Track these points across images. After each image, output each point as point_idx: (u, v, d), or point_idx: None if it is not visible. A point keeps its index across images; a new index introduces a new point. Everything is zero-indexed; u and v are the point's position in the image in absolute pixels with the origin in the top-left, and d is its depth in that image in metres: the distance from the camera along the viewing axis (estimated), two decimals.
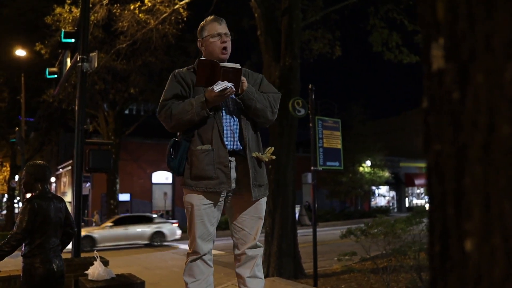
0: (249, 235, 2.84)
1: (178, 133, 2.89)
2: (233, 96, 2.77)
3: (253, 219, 2.85)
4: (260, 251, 2.91)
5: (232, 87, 2.60)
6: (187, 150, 2.76)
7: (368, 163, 29.70)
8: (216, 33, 2.83)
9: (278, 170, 9.04)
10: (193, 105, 2.67)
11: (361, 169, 29.37)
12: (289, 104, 7.95)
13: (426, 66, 0.57)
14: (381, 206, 34.56)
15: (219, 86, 2.56)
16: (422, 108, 0.60)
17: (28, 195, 3.43)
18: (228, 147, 2.73)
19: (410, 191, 38.94)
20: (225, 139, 2.72)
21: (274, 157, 2.84)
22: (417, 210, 7.71)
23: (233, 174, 2.75)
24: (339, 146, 7.54)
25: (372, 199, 35.64)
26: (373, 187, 32.55)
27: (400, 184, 36.87)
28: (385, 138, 38.94)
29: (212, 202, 2.77)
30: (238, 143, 2.77)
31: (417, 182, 37.15)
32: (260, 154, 2.80)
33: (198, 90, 2.78)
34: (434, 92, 0.55)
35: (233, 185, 2.75)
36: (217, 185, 2.69)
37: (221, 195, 2.78)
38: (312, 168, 7.20)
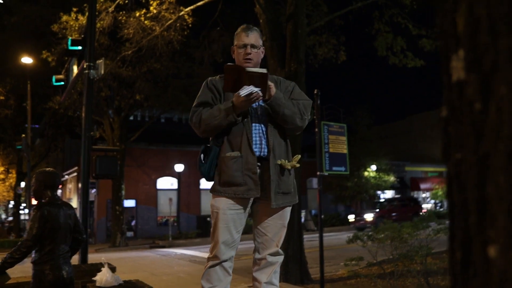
0: (272, 241, 2.84)
1: (210, 138, 2.92)
2: (261, 102, 2.78)
3: (277, 226, 2.85)
4: (281, 259, 2.90)
5: (259, 92, 2.59)
6: (217, 156, 2.80)
7: (374, 167, 29.63)
8: (242, 43, 2.88)
9: None
10: (221, 111, 2.70)
11: (366, 173, 29.30)
12: None
13: (445, 77, 0.59)
14: None
15: (244, 91, 2.56)
16: (442, 117, 0.61)
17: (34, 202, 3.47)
18: (257, 153, 2.75)
19: (415, 196, 38.78)
20: (253, 145, 2.74)
21: (298, 165, 2.82)
22: (424, 215, 7.68)
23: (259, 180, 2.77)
24: (345, 151, 7.53)
25: (378, 204, 35.51)
26: (379, 192, 32.44)
27: (405, 189, 36.73)
28: (390, 142, 38.92)
29: (239, 208, 2.78)
30: (266, 150, 2.78)
31: (422, 186, 36.99)
32: (285, 161, 2.78)
33: (229, 97, 2.79)
34: (455, 102, 0.57)
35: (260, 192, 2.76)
36: (246, 192, 2.71)
37: (249, 202, 2.79)
38: (318, 173, 7.19)
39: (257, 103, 2.79)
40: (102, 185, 23.84)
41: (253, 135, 2.77)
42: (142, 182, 26.02)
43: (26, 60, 18.39)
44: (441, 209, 34.54)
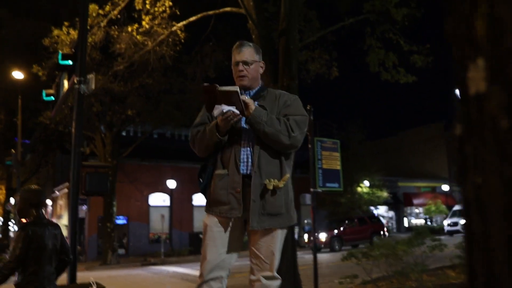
0: (265, 264, 2.74)
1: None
2: (244, 125, 2.74)
3: (269, 249, 2.74)
4: (276, 283, 2.78)
5: (234, 110, 2.54)
6: (212, 174, 2.78)
7: (367, 183, 29.59)
8: (235, 61, 2.85)
9: None
10: (208, 130, 2.71)
11: (359, 189, 29.25)
12: None
13: (462, 90, 0.51)
14: None
15: (216, 111, 2.55)
16: (456, 135, 0.54)
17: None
18: (243, 172, 2.68)
19: (408, 211, 38.73)
20: (241, 164, 2.68)
21: (281, 185, 2.69)
22: (418, 231, 7.60)
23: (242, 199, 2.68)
24: (339, 167, 7.48)
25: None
26: (372, 208, 32.36)
27: (398, 204, 36.69)
28: (382, 158, 38.95)
29: (228, 227, 2.71)
30: (252, 168, 2.70)
31: (415, 201, 36.97)
32: (274, 181, 2.67)
33: None
34: (473, 118, 0.49)
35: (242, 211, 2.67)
36: (229, 211, 2.66)
37: (240, 220, 2.71)
38: (311, 189, 7.11)
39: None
40: (93, 201, 23.53)
41: (241, 153, 2.72)
42: (134, 198, 25.74)
43: (17, 74, 18.27)
44: (434, 225, 34.46)
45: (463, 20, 0.50)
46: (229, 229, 2.72)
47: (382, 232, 23.61)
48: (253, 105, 2.64)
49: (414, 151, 42.03)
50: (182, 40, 11.56)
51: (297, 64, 10.53)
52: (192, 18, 11.13)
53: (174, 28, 11.10)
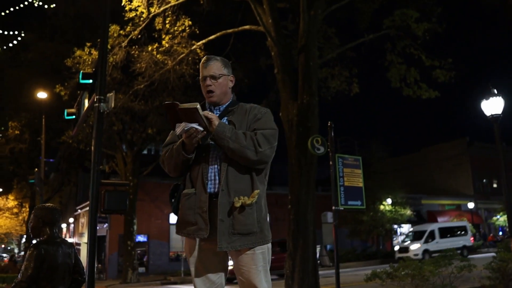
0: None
1: None
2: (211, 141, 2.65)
3: (251, 271, 2.58)
4: None
5: (196, 127, 2.48)
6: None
7: (389, 201, 29.04)
8: (202, 77, 2.77)
9: (298, 209, 8.80)
10: (174, 149, 2.65)
11: (382, 207, 28.70)
12: (308, 142, 7.80)
13: None
14: None
15: (178, 129, 2.49)
16: None
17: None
18: (210, 190, 2.58)
19: None
20: (208, 182, 2.59)
21: (249, 202, 2.53)
22: (446, 251, 7.33)
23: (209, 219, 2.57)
24: (361, 185, 7.30)
25: (394, 238, 34.62)
26: (395, 226, 31.68)
27: (422, 222, 35.84)
28: (405, 174, 38.27)
29: (205, 249, 2.62)
30: (219, 186, 2.59)
31: (440, 219, 36.06)
32: (243, 198, 2.53)
33: None
34: None
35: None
36: (196, 231, 2.57)
37: (207, 243, 2.59)
38: (333, 207, 6.95)
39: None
40: (114, 219, 23.64)
41: (209, 170, 2.62)
42: (154, 216, 25.77)
43: (41, 95, 18.65)
44: None
45: None
46: (202, 248, 2.63)
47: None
48: (216, 120, 2.55)
49: (438, 168, 41.20)
50: (202, 59, 11.62)
51: (317, 81, 10.47)
52: (212, 37, 11.22)
53: (194, 47, 11.19)
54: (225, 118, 2.70)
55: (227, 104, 2.80)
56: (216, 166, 2.62)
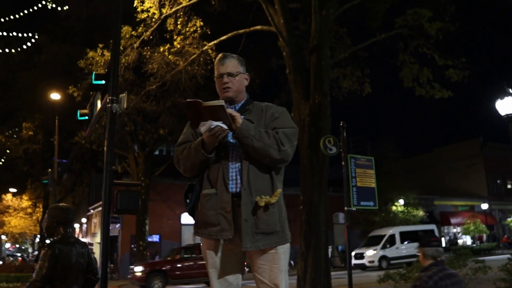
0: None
1: None
2: (231, 140, 2.59)
3: (273, 270, 2.56)
4: None
5: (221, 125, 2.42)
6: (199, 194, 2.65)
7: (401, 201, 28.83)
8: (218, 74, 2.73)
9: (310, 210, 8.76)
10: (191, 149, 2.58)
11: (394, 208, 28.51)
12: (320, 142, 7.77)
13: None
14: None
15: (203, 128, 2.42)
16: None
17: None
18: (232, 190, 2.54)
19: (446, 231, 37.43)
20: (229, 181, 2.55)
21: (273, 200, 2.54)
22: (460, 252, 7.24)
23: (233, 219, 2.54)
24: (373, 185, 7.25)
25: None
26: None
27: (435, 223, 35.53)
28: (417, 175, 37.95)
29: (225, 249, 2.59)
30: (241, 186, 2.55)
31: (453, 221, 35.71)
32: (265, 197, 2.52)
33: None
34: None
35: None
36: (219, 232, 2.52)
37: (227, 243, 2.57)
38: (345, 208, 6.90)
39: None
40: (126, 220, 23.79)
41: (230, 170, 2.57)
42: (166, 217, 25.88)
43: (55, 96, 18.83)
44: (474, 245, 33.17)
45: None
46: (224, 249, 2.59)
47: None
48: (240, 118, 2.51)
49: (451, 169, 40.78)
50: (213, 59, 11.62)
51: (329, 81, 10.42)
52: (223, 37, 11.22)
53: (205, 48, 11.20)
54: (242, 117, 2.63)
55: (242, 102, 2.76)
56: (237, 165, 2.58)
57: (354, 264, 22.00)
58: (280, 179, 2.67)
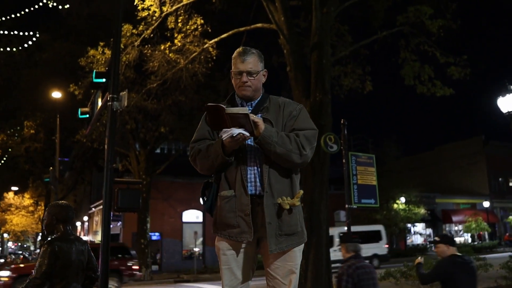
0: (283, 285, 2.58)
1: None
2: (250, 142, 2.57)
3: (286, 268, 2.58)
4: None
5: (243, 132, 2.40)
6: (216, 193, 2.64)
7: (403, 199, 28.81)
8: (237, 71, 2.67)
9: (311, 208, 8.75)
10: (210, 151, 2.56)
11: (395, 206, 28.50)
12: (321, 140, 7.76)
13: None
14: (418, 244, 33.21)
15: (225, 135, 2.41)
16: None
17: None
18: (251, 192, 2.53)
19: (447, 228, 37.42)
20: (248, 184, 2.53)
21: (298, 203, 2.56)
22: (461, 250, 7.22)
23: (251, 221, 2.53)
24: (374, 183, 7.24)
25: (408, 237, 34.37)
26: (409, 225, 31.42)
27: (437, 221, 35.49)
28: (419, 173, 37.91)
29: (240, 249, 2.59)
30: (261, 188, 2.54)
31: (455, 219, 35.68)
32: (287, 199, 2.52)
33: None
34: None
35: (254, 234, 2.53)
36: (239, 235, 2.52)
37: (244, 244, 2.57)
38: (346, 206, 6.90)
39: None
40: (128, 218, 23.82)
41: (248, 172, 2.55)
42: (167, 215, 25.91)
43: (56, 94, 18.83)
44: (475, 243, 33.14)
45: None
46: (242, 251, 2.59)
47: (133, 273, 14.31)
48: (262, 124, 2.47)
49: (452, 166, 40.72)
50: (214, 57, 11.63)
51: (330, 79, 10.40)
52: (224, 35, 11.21)
53: (206, 46, 11.19)
54: (260, 115, 2.62)
55: (259, 99, 2.72)
56: (255, 167, 2.57)
57: None
58: (298, 178, 2.67)
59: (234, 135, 2.39)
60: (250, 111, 2.58)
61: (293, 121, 2.64)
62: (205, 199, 2.68)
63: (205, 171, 2.66)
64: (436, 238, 4.84)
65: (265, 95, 2.77)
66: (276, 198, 2.51)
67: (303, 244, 2.66)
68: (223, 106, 2.41)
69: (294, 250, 2.60)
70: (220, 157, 2.50)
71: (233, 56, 2.74)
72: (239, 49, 2.72)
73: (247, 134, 2.42)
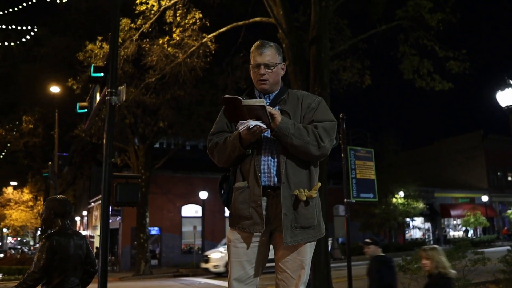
0: (292, 279, 2.55)
1: None
2: (266, 134, 2.55)
3: (296, 262, 2.56)
4: None
5: (260, 124, 2.39)
6: (233, 186, 2.63)
7: (402, 194, 28.86)
8: (255, 63, 2.66)
9: None
10: (228, 142, 2.55)
11: (394, 200, 28.55)
12: None
13: None
14: (416, 239, 33.31)
15: (241, 127, 2.41)
16: None
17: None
18: (265, 183, 2.51)
19: (446, 223, 37.52)
20: (262, 175, 2.52)
21: (315, 195, 2.52)
22: (459, 244, 7.24)
23: (265, 212, 2.51)
24: (373, 177, 7.24)
25: (407, 231, 34.46)
26: (407, 219, 31.50)
27: (435, 216, 35.58)
28: (418, 168, 37.96)
29: (252, 241, 2.56)
30: (275, 179, 2.53)
31: (453, 213, 35.78)
32: (304, 191, 2.49)
33: None
34: None
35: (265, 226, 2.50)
36: (251, 226, 2.50)
37: (255, 236, 2.55)
38: (345, 200, 6.90)
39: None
40: (127, 212, 23.86)
41: (262, 163, 2.53)
42: (166, 209, 25.95)
43: (54, 89, 18.79)
44: (474, 237, 33.24)
45: None
46: (253, 243, 2.57)
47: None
48: (279, 116, 2.46)
49: (451, 161, 40.79)
50: (213, 52, 11.59)
51: (329, 73, 10.37)
52: (223, 29, 11.16)
53: (204, 40, 11.15)
54: (277, 107, 2.61)
55: (277, 92, 2.71)
56: (269, 158, 2.55)
57: (202, 269, 18.22)
58: (317, 171, 2.65)
59: (251, 127, 2.38)
60: (268, 103, 2.58)
61: (312, 113, 2.63)
62: (222, 192, 2.68)
63: (222, 164, 2.65)
64: (368, 240, 5.71)
65: (284, 88, 2.76)
66: (293, 189, 2.49)
67: (315, 242, 2.62)
68: (240, 98, 2.40)
69: (305, 246, 2.56)
70: (238, 149, 2.50)
71: (251, 49, 2.73)
72: (257, 42, 2.72)
73: (264, 126, 2.42)
